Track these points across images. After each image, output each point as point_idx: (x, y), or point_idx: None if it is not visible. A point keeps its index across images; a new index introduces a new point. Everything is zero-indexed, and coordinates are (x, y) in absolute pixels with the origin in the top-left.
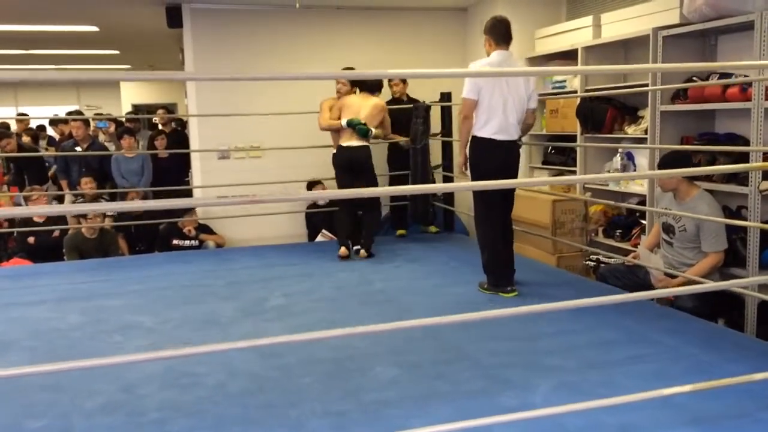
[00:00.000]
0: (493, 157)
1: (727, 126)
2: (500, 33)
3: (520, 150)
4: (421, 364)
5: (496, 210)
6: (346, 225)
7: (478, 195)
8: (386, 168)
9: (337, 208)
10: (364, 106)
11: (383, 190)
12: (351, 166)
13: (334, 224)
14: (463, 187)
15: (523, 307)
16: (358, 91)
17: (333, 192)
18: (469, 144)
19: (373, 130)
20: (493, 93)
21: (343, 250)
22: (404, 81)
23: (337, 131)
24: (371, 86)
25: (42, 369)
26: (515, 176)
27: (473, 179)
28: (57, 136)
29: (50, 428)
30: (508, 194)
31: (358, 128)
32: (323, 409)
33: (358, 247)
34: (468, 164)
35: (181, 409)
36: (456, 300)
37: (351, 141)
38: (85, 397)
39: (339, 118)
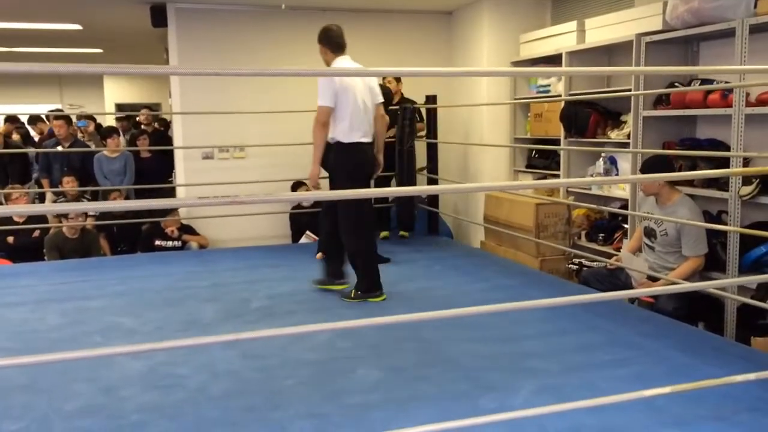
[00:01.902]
0: (364, 161)
1: (708, 132)
2: (335, 42)
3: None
4: (403, 366)
5: (369, 216)
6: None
7: (353, 202)
8: None
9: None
10: None
11: (366, 192)
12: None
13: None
14: (448, 189)
15: (504, 304)
16: None
17: (315, 193)
18: (335, 152)
19: None
20: (354, 97)
21: (320, 255)
22: (398, 80)
23: None
24: None
25: (18, 362)
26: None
27: (344, 186)
28: (36, 135)
29: (28, 430)
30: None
31: None
32: (306, 411)
33: None
34: (333, 171)
35: (162, 411)
36: (440, 303)
37: None
38: (64, 399)
39: None
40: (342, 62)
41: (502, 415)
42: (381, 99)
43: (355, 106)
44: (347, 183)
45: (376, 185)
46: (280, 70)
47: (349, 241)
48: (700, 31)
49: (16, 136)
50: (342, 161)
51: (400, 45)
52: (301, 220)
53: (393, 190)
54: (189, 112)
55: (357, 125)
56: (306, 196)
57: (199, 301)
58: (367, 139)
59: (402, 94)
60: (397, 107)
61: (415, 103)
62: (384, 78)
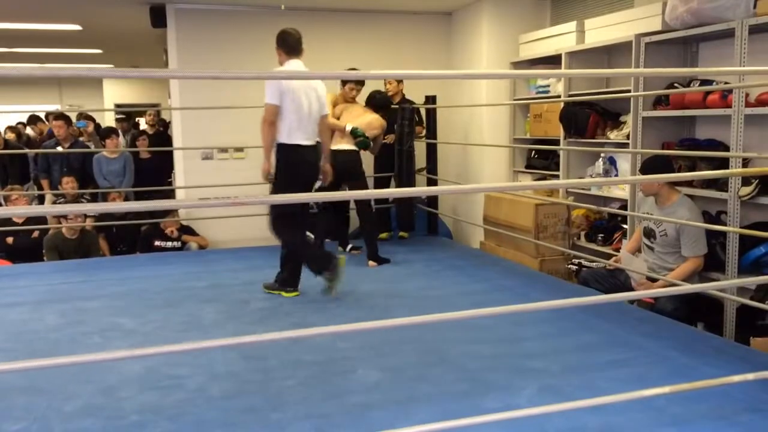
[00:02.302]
0: (301, 163)
1: (708, 132)
2: (290, 45)
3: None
4: (404, 367)
5: (300, 214)
6: (322, 230)
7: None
8: (370, 170)
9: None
10: (364, 116)
11: (365, 193)
12: (338, 171)
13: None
14: (447, 190)
15: (504, 306)
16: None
17: (316, 195)
18: (276, 152)
19: (372, 143)
20: (299, 99)
21: None
22: (399, 81)
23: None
24: (378, 103)
25: (18, 366)
26: (317, 178)
27: (285, 187)
28: (36, 136)
29: (29, 431)
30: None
31: (361, 140)
32: (306, 412)
33: (351, 245)
34: (275, 171)
35: (161, 413)
36: (439, 303)
37: (342, 144)
38: (63, 400)
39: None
40: (292, 65)
41: (503, 415)
42: (326, 111)
43: (298, 109)
44: (283, 184)
45: (376, 185)
46: (282, 73)
47: (284, 238)
48: (699, 31)
49: (10, 135)
50: (280, 161)
51: (399, 45)
52: None
53: (389, 192)
54: (188, 108)
55: (299, 127)
56: (305, 198)
57: (198, 301)
58: (308, 143)
59: (403, 94)
60: (397, 108)
61: (413, 103)
62: (385, 79)
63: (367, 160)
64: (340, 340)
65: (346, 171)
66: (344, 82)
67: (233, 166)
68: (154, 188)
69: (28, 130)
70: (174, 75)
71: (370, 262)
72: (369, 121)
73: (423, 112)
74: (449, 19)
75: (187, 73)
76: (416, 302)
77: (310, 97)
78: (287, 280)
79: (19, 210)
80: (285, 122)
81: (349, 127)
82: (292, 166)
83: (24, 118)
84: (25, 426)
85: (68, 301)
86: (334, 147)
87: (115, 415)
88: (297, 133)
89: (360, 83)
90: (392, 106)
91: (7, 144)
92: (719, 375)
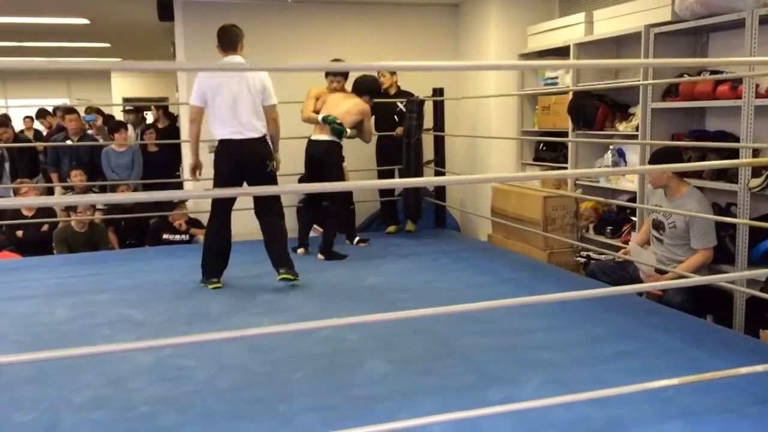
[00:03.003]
0: (231, 156)
1: (718, 124)
2: (224, 41)
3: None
4: (410, 359)
5: (228, 208)
6: (308, 222)
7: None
8: (375, 163)
9: (327, 203)
10: (343, 103)
11: (349, 185)
12: (313, 162)
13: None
14: (453, 181)
15: (512, 299)
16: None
17: (317, 185)
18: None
19: (348, 130)
20: (221, 95)
21: (300, 250)
22: (393, 73)
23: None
24: (361, 88)
25: (28, 357)
26: (262, 171)
27: (215, 180)
28: (44, 130)
29: (39, 422)
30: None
31: (333, 127)
32: (313, 403)
33: (358, 238)
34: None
35: (170, 404)
36: (446, 296)
37: (320, 135)
38: (73, 391)
39: (318, 112)
40: (227, 60)
41: (509, 407)
42: (272, 101)
43: (223, 104)
44: (216, 177)
45: (380, 179)
46: (285, 65)
47: (209, 229)
48: (709, 22)
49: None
50: (214, 155)
51: (406, 37)
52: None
53: (396, 182)
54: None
55: (225, 122)
56: (304, 189)
57: (206, 294)
58: (237, 136)
59: (398, 86)
60: (394, 101)
61: (412, 95)
62: (378, 71)
63: (370, 152)
64: (346, 333)
65: (319, 161)
66: (326, 74)
67: None
68: (162, 181)
69: (37, 124)
70: (182, 68)
71: (320, 255)
72: (347, 108)
73: (430, 104)
74: (456, 10)
75: (194, 65)
76: (423, 295)
77: (239, 90)
78: (284, 262)
79: (27, 200)
80: (212, 118)
81: (320, 117)
82: (216, 159)
83: (33, 112)
84: (35, 417)
85: (77, 294)
86: (312, 137)
87: (124, 407)
88: (223, 128)
89: (340, 74)
90: (382, 92)
91: (16, 137)
92: (728, 367)
